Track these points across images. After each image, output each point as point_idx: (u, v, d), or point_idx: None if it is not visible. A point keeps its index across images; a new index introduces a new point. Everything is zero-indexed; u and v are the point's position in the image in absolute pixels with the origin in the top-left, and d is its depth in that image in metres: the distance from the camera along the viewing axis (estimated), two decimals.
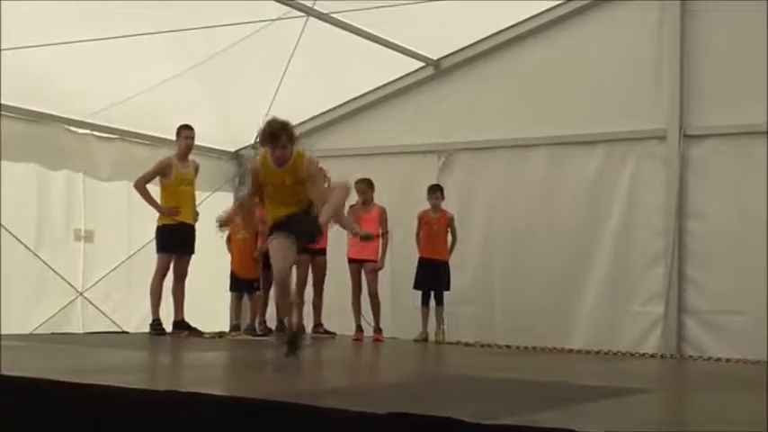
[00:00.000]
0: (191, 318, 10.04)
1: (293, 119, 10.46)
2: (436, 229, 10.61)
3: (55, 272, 10.53)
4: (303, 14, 9.92)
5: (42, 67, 9.41)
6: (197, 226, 10.00)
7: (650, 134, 10.43)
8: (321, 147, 11.37)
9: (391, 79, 11.93)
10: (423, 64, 11.71)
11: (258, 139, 7.18)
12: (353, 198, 10.32)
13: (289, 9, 9.83)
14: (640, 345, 10.13)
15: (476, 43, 11.44)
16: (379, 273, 10.43)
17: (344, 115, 12.31)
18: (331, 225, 8.09)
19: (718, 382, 7.04)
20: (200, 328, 10.00)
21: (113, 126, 11.15)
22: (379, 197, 10.50)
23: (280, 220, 7.02)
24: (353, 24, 10.33)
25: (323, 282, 10.48)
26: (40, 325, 10.25)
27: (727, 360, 9.04)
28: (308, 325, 10.49)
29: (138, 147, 11.45)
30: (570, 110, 10.81)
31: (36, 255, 10.36)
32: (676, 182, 10.18)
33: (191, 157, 10.12)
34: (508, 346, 9.93)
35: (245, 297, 10.88)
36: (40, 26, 8.87)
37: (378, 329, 10.38)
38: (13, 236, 10.05)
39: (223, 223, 8.05)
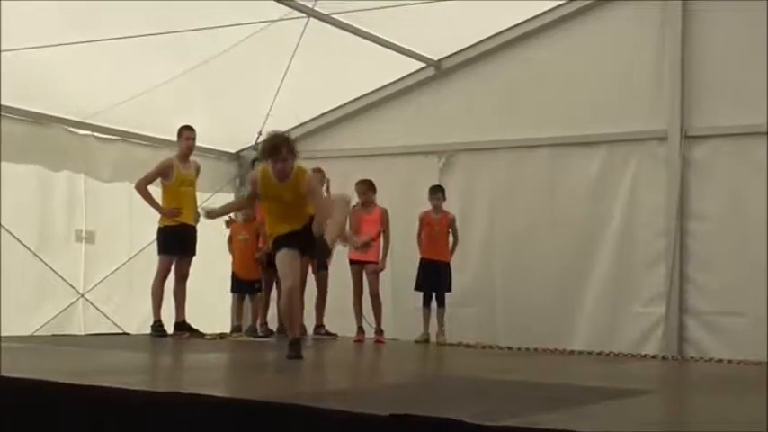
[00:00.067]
0: (192, 319, 10.04)
1: (294, 120, 10.61)
2: (437, 230, 10.60)
3: (56, 273, 10.53)
4: (304, 15, 9.91)
5: (43, 68, 9.41)
6: (198, 227, 9.99)
7: (651, 135, 10.42)
8: (322, 148, 11.41)
9: (392, 80, 11.93)
10: (424, 65, 11.70)
11: (259, 153, 7.22)
12: (353, 200, 10.35)
13: (289, 10, 9.83)
14: (641, 346, 10.12)
15: (477, 44, 11.44)
16: (381, 274, 10.42)
17: (345, 116, 12.31)
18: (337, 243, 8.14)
19: (720, 384, 7.03)
20: (201, 330, 10.00)
21: (114, 127, 11.15)
22: (380, 198, 10.49)
23: (281, 236, 7.07)
24: (354, 25, 10.33)
25: (326, 284, 10.47)
26: (42, 326, 10.25)
27: (729, 361, 9.02)
28: (309, 326, 10.48)
29: (139, 148, 11.45)
30: (571, 111, 10.81)
31: (37, 256, 10.36)
32: (677, 183, 10.18)
33: (192, 158, 10.12)
34: (509, 348, 9.92)
35: (247, 298, 10.87)
36: (40, 27, 8.87)
37: (379, 331, 10.37)
38: (15, 237, 10.05)
39: (210, 215, 8.03)
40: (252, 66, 10.44)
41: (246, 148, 12.46)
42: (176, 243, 9.79)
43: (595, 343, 10.14)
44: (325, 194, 9.08)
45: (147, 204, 9.76)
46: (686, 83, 10.25)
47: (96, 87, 10.17)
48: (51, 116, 10.57)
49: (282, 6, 9.73)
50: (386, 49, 10.92)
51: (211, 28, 9.39)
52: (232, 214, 10.22)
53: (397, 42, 10.94)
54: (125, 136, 11.35)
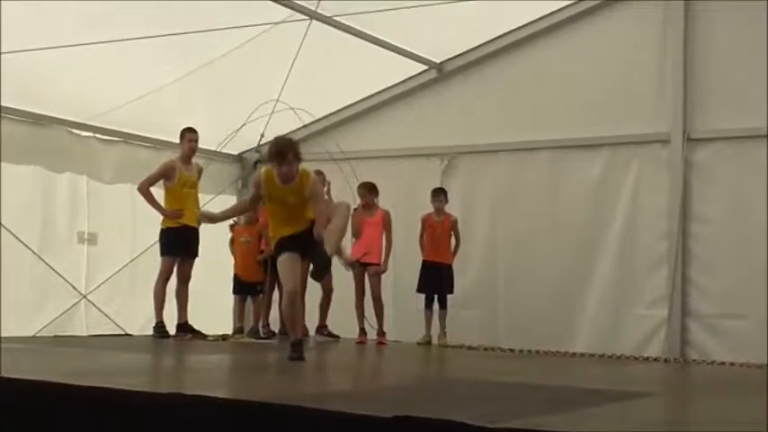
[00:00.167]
0: (194, 320, 10.04)
1: (296, 122, 10.60)
2: (440, 232, 10.59)
3: (58, 274, 10.53)
4: (306, 17, 9.92)
5: (45, 70, 9.42)
6: (200, 229, 9.99)
7: (654, 137, 10.42)
8: (324, 150, 11.38)
9: (394, 82, 11.94)
10: (426, 67, 11.71)
11: (266, 157, 7.25)
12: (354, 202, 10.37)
13: (292, 12, 9.83)
14: (644, 348, 10.12)
15: (479, 46, 11.45)
16: (383, 276, 10.42)
17: (347, 118, 12.31)
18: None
19: (722, 387, 7.02)
20: (203, 331, 10.00)
21: (116, 129, 11.16)
22: (383, 200, 10.50)
23: (284, 239, 7.10)
24: (357, 27, 10.34)
25: (330, 284, 10.45)
26: (44, 327, 10.26)
27: (731, 364, 9.01)
28: (311, 327, 10.48)
29: (142, 149, 11.45)
30: (573, 113, 10.81)
31: (40, 257, 10.36)
32: (680, 185, 10.18)
33: (194, 160, 10.13)
34: (511, 350, 9.92)
35: (249, 300, 10.88)
36: (42, 29, 8.88)
37: (381, 332, 10.37)
38: (17, 238, 10.05)
39: (210, 220, 8.07)
40: (254, 68, 10.44)
41: (249, 150, 12.45)
42: (179, 245, 9.79)
43: (597, 345, 10.13)
44: (326, 197, 9.09)
45: (149, 206, 9.77)
46: (689, 85, 10.25)
47: (99, 89, 10.17)
48: (53, 117, 10.57)
49: (285, 9, 9.74)
50: (388, 52, 10.93)
51: (214, 30, 9.39)
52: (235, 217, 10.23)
53: (399, 45, 10.95)
54: (127, 137, 11.36)
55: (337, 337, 10.56)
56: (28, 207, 10.39)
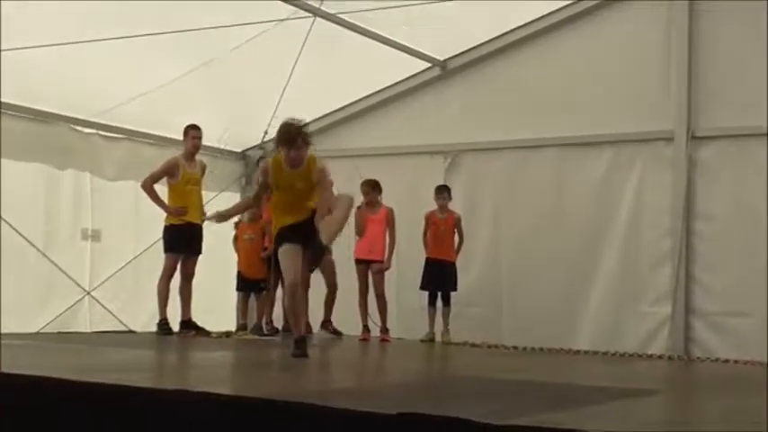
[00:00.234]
0: (197, 317, 10.05)
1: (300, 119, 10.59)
2: (443, 229, 10.60)
3: (62, 271, 10.54)
4: (310, 15, 9.92)
5: (48, 67, 9.42)
6: (204, 226, 10.00)
7: (658, 135, 10.41)
8: (327, 147, 11.36)
9: (398, 80, 11.93)
10: (429, 65, 11.70)
11: (274, 141, 7.22)
12: (358, 200, 10.36)
13: (296, 9, 9.83)
14: (647, 346, 10.12)
15: (482, 44, 11.43)
16: (386, 273, 10.43)
17: (351, 116, 12.31)
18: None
19: (726, 384, 7.02)
20: (206, 328, 10.01)
21: (120, 126, 11.16)
22: (386, 197, 10.51)
23: (284, 228, 7.08)
24: (360, 25, 10.33)
25: (335, 279, 10.46)
26: (48, 324, 10.26)
27: (735, 362, 9.02)
28: (315, 324, 10.49)
29: (145, 146, 11.45)
30: (577, 111, 10.79)
31: (43, 254, 10.37)
32: (684, 183, 10.17)
33: (198, 157, 10.13)
34: (515, 347, 9.93)
35: (252, 297, 10.88)
36: (45, 26, 8.88)
37: (384, 330, 10.38)
38: (21, 235, 10.06)
39: (220, 218, 8.06)
40: (258, 65, 10.44)
41: (252, 148, 12.46)
42: (182, 242, 9.80)
43: (601, 343, 10.14)
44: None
45: (153, 203, 9.78)
46: (693, 83, 10.24)
47: (102, 86, 10.18)
48: (57, 114, 10.57)
49: (289, 6, 9.74)
50: (392, 49, 10.92)
51: (218, 27, 9.39)
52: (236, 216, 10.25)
53: (402, 42, 10.94)
54: (131, 135, 11.36)
55: (340, 333, 10.56)
56: (32, 204, 10.39)
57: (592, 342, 10.27)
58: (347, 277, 10.44)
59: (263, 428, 3.89)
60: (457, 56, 11.62)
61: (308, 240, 7.14)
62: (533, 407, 4.44)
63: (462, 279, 10.67)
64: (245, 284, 10.81)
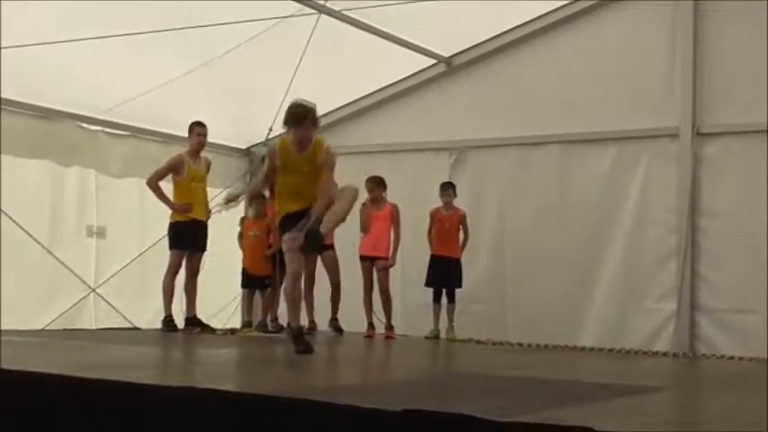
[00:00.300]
0: (202, 314, 10.06)
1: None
2: (448, 226, 10.60)
3: (67, 268, 10.56)
4: (315, 12, 9.92)
5: (54, 64, 9.43)
6: (209, 223, 10.01)
7: (663, 132, 10.40)
8: (332, 144, 11.32)
9: (403, 76, 11.94)
10: (434, 61, 11.70)
11: (283, 120, 7.16)
12: (363, 196, 10.36)
13: (301, 6, 9.84)
14: (652, 343, 10.12)
15: (487, 41, 11.44)
16: (391, 270, 10.42)
17: (356, 112, 12.31)
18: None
19: (731, 381, 7.01)
20: (211, 325, 10.02)
21: (125, 123, 11.17)
22: (391, 194, 10.50)
23: (289, 216, 7.04)
24: (365, 21, 10.34)
25: (338, 276, 10.46)
26: (53, 321, 10.29)
27: (740, 358, 9.01)
28: (323, 320, 10.51)
29: (150, 143, 11.47)
30: (582, 107, 10.80)
31: (49, 251, 10.39)
32: (689, 180, 10.16)
33: (202, 154, 10.13)
34: (520, 344, 9.92)
35: (257, 294, 10.89)
36: (51, 23, 8.90)
37: (389, 326, 10.38)
38: (27, 232, 10.08)
39: (231, 199, 8.03)
40: (263, 62, 10.45)
41: (257, 144, 12.47)
42: (187, 239, 9.80)
43: (606, 340, 10.12)
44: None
45: (158, 200, 9.78)
46: (698, 80, 10.23)
47: (107, 83, 10.19)
48: (62, 112, 10.60)
49: (294, 3, 9.74)
50: (397, 46, 10.93)
51: (223, 24, 9.39)
52: (242, 213, 10.26)
53: (407, 39, 10.94)
54: (136, 132, 11.38)
55: (341, 330, 10.54)
56: (37, 201, 10.42)
57: (597, 339, 10.26)
58: (352, 274, 10.43)
59: (267, 425, 3.90)
60: (462, 52, 11.62)
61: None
62: (538, 404, 4.44)
63: (467, 276, 10.66)
64: (251, 281, 10.82)
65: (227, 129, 11.67)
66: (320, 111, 11.35)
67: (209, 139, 10.17)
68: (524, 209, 11.07)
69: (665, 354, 9.59)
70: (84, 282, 10.78)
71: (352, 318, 10.52)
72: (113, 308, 11.02)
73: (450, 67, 11.72)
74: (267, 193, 9.27)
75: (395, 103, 12.11)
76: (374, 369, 7.57)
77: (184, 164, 9.84)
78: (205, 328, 9.91)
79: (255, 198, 10.54)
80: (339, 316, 10.58)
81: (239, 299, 11.54)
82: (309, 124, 6.99)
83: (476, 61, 11.59)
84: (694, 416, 4.78)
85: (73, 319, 10.51)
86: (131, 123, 11.23)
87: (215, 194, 10.95)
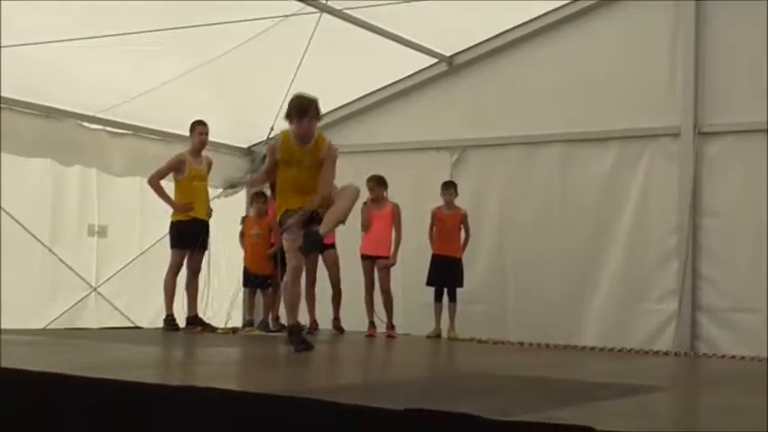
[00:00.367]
0: (203, 313, 10.06)
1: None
2: (449, 225, 10.59)
3: (69, 267, 10.56)
4: (317, 11, 9.92)
5: (55, 63, 9.44)
6: (211, 222, 10.01)
7: (664, 131, 10.40)
8: (334, 143, 11.37)
9: (404, 75, 11.94)
10: (436, 60, 11.70)
11: (285, 112, 7.16)
12: (364, 195, 10.36)
13: (303, 5, 9.83)
14: (654, 342, 10.11)
15: (489, 40, 11.44)
16: (392, 269, 10.42)
17: (357, 111, 12.31)
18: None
19: (732, 381, 7.01)
20: (213, 324, 10.02)
21: (126, 122, 11.18)
22: (392, 193, 10.50)
23: (291, 212, 7.03)
24: (367, 20, 10.34)
25: (338, 275, 10.45)
26: (54, 320, 10.31)
27: (742, 358, 9.00)
28: (321, 320, 10.50)
29: (152, 142, 11.47)
30: (584, 106, 10.80)
31: (50, 250, 10.39)
32: (690, 179, 10.16)
33: (204, 153, 10.13)
34: (521, 343, 9.92)
35: (259, 293, 10.89)
36: (52, 22, 8.90)
37: (390, 326, 10.37)
38: (28, 231, 10.09)
39: (232, 185, 8.01)
40: (265, 61, 10.45)
41: (258, 144, 12.47)
42: (188, 237, 9.80)
43: (607, 339, 10.10)
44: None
45: (159, 199, 9.78)
46: (699, 79, 10.22)
47: (108, 82, 10.20)
48: (64, 111, 10.60)
49: (295, 2, 9.74)
50: (398, 45, 10.93)
51: (224, 23, 9.39)
52: (244, 211, 10.25)
53: (409, 38, 10.94)
54: (137, 131, 11.38)
55: (343, 330, 10.52)
56: (38, 200, 10.43)
57: (598, 338, 10.25)
58: (353, 273, 10.43)
59: (269, 424, 3.89)
60: (463, 51, 11.63)
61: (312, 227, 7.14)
62: (539, 403, 4.44)
63: (468, 275, 10.66)
64: (252, 280, 10.82)
65: (228, 128, 11.67)
66: (322, 110, 11.47)
67: (211, 138, 10.17)
68: (525, 208, 11.07)
69: (666, 353, 9.59)
70: (85, 281, 10.79)
71: (354, 317, 10.52)
72: (114, 307, 11.03)
73: (452, 67, 11.72)
74: (269, 192, 9.27)
75: (396, 103, 12.11)
76: (376, 368, 7.57)
77: (186, 163, 9.84)
78: (206, 327, 9.90)
79: (257, 197, 10.57)
80: (340, 315, 10.58)
81: (240, 298, 11.53)
82: (312, 116, 6.99)
83: (477, 60, 11.59)
84: (695, 415, 4.78)
85: (74, 319, 10.52)
86: (133, 122, 11.24)
87: (216, 194, 10.95)
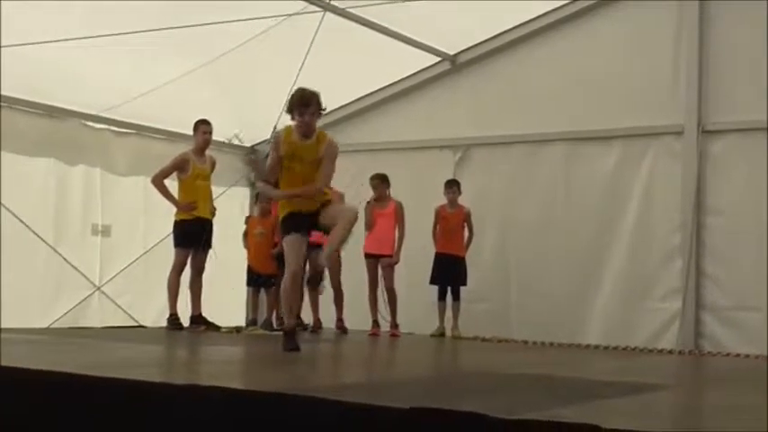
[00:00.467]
0: (207, 312, 10.06)
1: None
2: (453, 224, 10.59)
3: (72, 266, 10.57)
4: (320, 10, 9.92)
5: (59, 63, 9.44)
6: (214, 221, 10.01)
7: (668, 129, 10.39)
8: (337, 142, 11.38)
9: (407, 74, 11.93)
10: (439, 59, 11.69)
11: (287, 106, 7.16)
12: (368, 195, 10.39)
13: (306, 4, 9.83)
14: (657, 340, 10.10)
15: (492, 38, 11.43)
16: (396, 268, 10.41)
17: (361, 110, 12.31)
18: None
19: (736, 379, 7.01)
20: (216, 323, 10.02)
21: (130, 121, 11.18)
22: (396, 192, 10.50)
23: (292, 215, 7.05)
24: (370, 19, 10.33)
25: (338, 278, 10.45)
26: (58, 319, 10.31)
27: (746, 356, 8.99)
28: (329, 318, 10.51)
29: (155, 142, 11.48)
30: (587, 105, 10.79)
31: (54, 249, 10.40)
32: (694, 177, 10.14)
33: (207, 152, 10.14)
34: (525, 342, 9.92)
35: (262, 292, 10.89)
36: (56, 21, 8.89)
37: (394, 324, 10.37)
38: (32, 230, 10.09)
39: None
40: (268, 60, 10.45)
41: (262, 143, 12.47)
42: (192, 236, 9.80)
43: (611, 337, 10.10)
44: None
45: (163, 198, 9.79)
46: (703, 77, 10.21)
47: (112, 81, 10.20)
48: (67, 110, 10.61)
49: (299, 1, 9.73)
50: (401, 44, 10.92)
51: (228, 22, 9.39)
52: (246, 211, 10.25)
53: (412, 37, 10.94)
54: (141, 130, 11.39)
55: (347, 331, 10.52)
56: (42, 199, 10.43)
57: (602, 336, 10.25)
58: (356, 272, 10.43)
59: (273, 423, 3.90)
60: (467, 50, 11.62)
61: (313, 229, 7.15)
62: (544, 401, 4.44)
63: (472, 273, 10.66)
64: (256, 279, 10.81)
65: (231, 127, 11.67)
66: (324, 104, 11.48)
67: (214, 137, 10.17)
68: (529, 206, 11.06)
69: (670, 351, 9.59)
70: (89, 280, 10.79)
71: (357, 316, 10.53)
72: (118, 306, 11.04)
73: (455, 65, 11.71)
74: None
75: (399, 101, 12.10)
76: (380, 367, 7.57)
77: (189, 162, 9.84)
78: (210, 326, 9.90)
79: (261, 196, 10.57)
80: (343, 316, 10.58)
81: (244, 297, 11.54)
82: (314, 109, 6.99)
83: (480, 59, 11.58)
84: (700, 414, 4.78)
85: (78, 318, 10.53)
86: (136, 122, 11.24)
87: (219, 193, 10.96)
